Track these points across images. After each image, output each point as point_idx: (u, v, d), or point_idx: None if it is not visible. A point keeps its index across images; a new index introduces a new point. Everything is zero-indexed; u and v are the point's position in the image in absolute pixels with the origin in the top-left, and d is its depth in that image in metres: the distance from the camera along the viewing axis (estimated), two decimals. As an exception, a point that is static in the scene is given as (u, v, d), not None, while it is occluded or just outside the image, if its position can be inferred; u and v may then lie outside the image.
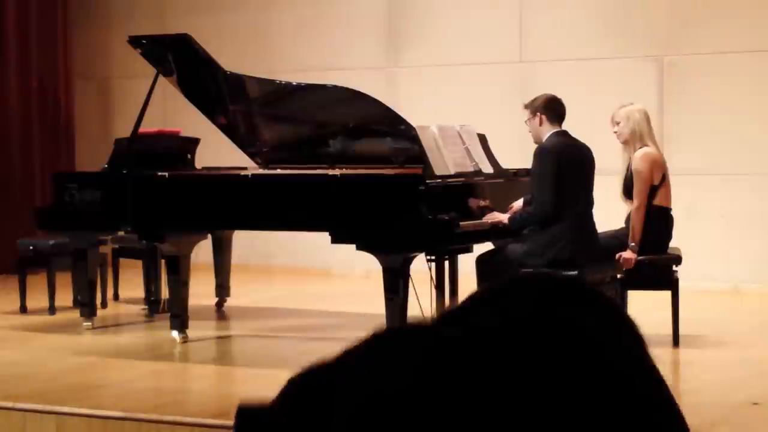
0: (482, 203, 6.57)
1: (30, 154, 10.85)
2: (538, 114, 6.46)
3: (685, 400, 4.79)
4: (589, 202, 6.54)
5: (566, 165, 6.36)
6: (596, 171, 6.62)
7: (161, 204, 6.84)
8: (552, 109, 6.48)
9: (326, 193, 6.30)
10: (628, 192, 6.67)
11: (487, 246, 6.86)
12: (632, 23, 9.32)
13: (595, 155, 6.60)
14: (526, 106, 6.56)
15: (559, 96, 6.57)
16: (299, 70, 9.91)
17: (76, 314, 7.63)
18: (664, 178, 6.70)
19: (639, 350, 0.85)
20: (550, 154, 6.36)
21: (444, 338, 0.82)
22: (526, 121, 6.55)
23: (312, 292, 9.12)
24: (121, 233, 7.87)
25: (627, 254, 6.53)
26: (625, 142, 6.72)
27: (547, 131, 6.46)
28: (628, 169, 6.70)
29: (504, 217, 6.43)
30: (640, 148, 6.66)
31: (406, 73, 10.15)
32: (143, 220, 6.91)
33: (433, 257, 6.64)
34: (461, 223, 6.22)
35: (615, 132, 6.74)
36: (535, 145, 6.47)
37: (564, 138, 6.47)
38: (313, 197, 6.35)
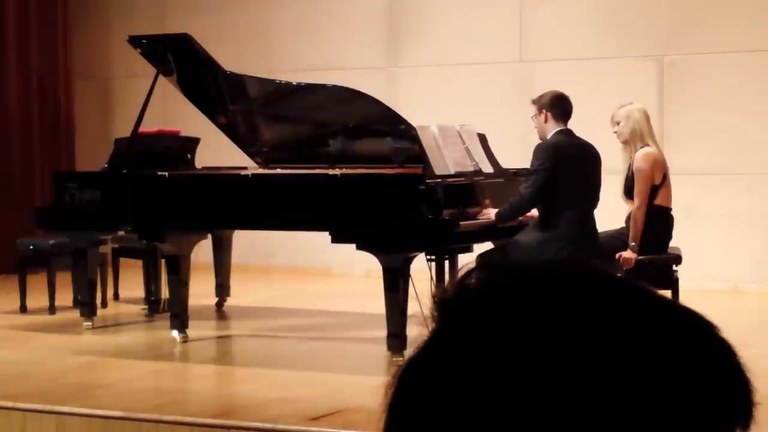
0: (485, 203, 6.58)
1: (30, 154, 10.85)
2: (544, 111, 6.46)
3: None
4: (591, 202, 6.53)
5: (565, 163, 6.35)
6: (596, 171, 6.62)
7: (161, 204, 6.84)
8: (558, 106, 6.47)
9: (326, 192, 6.30)
10: (629, 192, 6.66)
11: (488, 246, 6.86)
12: (632, 23, 9.31)
13: (596, 155, 6.60)
14: (534, 102, 6.56)
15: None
16: (299, 69, 9.91)
17: (76, 314, 7.63)
18: (665, 178, 6.70)
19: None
20: (546, 151, 6.37)
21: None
22: (532, 117, 6.56)
23: (312, 292, 9.12)
24: (121, 233, 7.88)
25: (627, 254, 6.53)
26: (626, 142, 6.71)
27: (552, 129, 6.45)
28: (629, 169, 6.69)
29: (492, 214, 6.45)
30: (641, 147, 6.65)
31: (406, 73, 10.15)
32: (143, 219, 6.91)
33: (433, 257, 6.64)
34: (461, 222, 6.22)
35: (615, 132, 6.72)
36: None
37: (567, 137, 6.46)
38: (313, 197, 6.34)
